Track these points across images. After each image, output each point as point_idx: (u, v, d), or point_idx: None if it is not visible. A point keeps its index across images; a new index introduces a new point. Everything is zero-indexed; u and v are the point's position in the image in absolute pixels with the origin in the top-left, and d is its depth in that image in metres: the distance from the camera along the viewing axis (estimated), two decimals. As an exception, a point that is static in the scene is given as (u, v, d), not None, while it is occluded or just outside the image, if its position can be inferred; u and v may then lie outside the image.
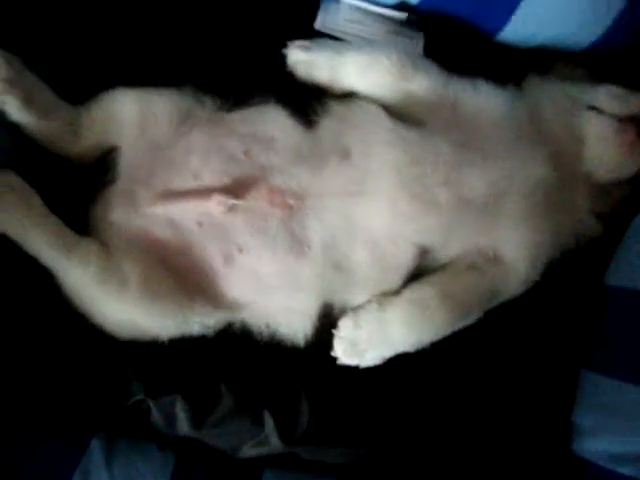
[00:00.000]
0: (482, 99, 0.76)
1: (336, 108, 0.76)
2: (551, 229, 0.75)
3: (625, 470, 0.74)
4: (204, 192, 0.72)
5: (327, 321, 0.75)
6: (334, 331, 0.74)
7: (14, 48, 0.71)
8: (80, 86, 0.76)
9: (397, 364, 0.76)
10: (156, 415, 0.75)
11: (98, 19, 0.83)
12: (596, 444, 0.78)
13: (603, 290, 0.84)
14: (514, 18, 0.81)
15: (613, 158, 0.75)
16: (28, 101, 0.70)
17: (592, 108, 0.77)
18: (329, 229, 0.72)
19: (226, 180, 0.72)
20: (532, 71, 0.83)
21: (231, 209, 0.71)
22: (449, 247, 0.74)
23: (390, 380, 0.79)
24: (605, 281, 0.84)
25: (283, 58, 0.79)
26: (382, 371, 0.75)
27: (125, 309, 0.71)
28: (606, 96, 0.77)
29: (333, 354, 0.74)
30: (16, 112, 0.70)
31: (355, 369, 0.74)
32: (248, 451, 0.77)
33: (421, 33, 0.84)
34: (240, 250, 0.72)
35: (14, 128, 0.72)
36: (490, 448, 0.81)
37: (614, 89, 0.78)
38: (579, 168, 0.77)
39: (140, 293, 0.71)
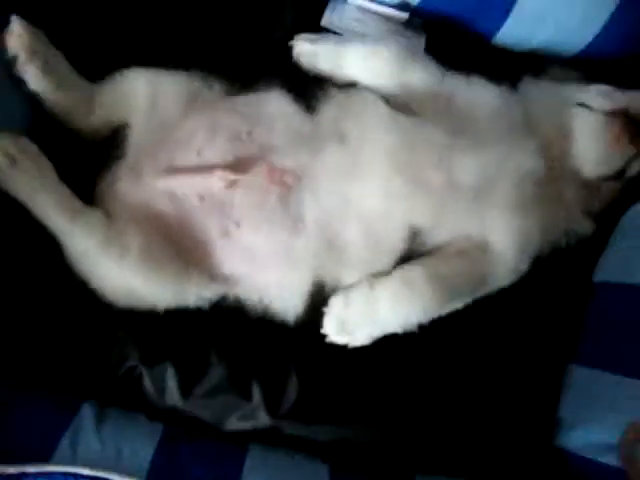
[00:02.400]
0: (476, 92, 0.80)
1: (336, 95, 0.80)
2: (540, 221, 0.77)
3: (608, 459, 0.74)
4: (207, 168, 0.75)
5: (319, 299, 0.77)
6: (325, 309, 0.76)
7: (39, 24, 0.76)
8: (97, 65, 0.81)
9: (385, 349, 0.78)
10: (148, 383, 0.78)
11: (117, 3, 0.88)
12: (579, 435, 0.78)
13: (590, 286, 0.85)
14: (509, 20, 0.85)
15: (600, 151, 0.78)
16: (47, 71, 0.75)
17: (581, 105, 0.80)
18: (324, 208, 0.75)
19: (228, 158, 0.76)
20: (527, 73, 0.86)
21: (232, 185, 0.74)
22: (439, 231, 0.76)
23: (378, 363, 0.80)
24: (593, 278, 0.86)
25: (289, 50, 0.83)
26: (370, 353, 0.76)
27: (125, 275, 0.74)
28: (594, 93, 0.81)
29: (323, 331, 0.75)
30: (35, 81, 0.75)
31: (344, 349, 0.75)
32: (234, 424, 0.79)
33: (423, 35, 0.88)
34: (237, 224, 0.75)
35: (32, 98, 0.76)
36: (474, 439, 0.81)
37: (602, 87, 0.81)
38: (568, 163, 0.80)
39: (140, 260, 0.74)
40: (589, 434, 0.77)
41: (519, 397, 0.83)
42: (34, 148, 0.74)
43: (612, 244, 0.85)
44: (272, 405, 0.78)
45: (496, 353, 0.84)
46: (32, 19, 0.75)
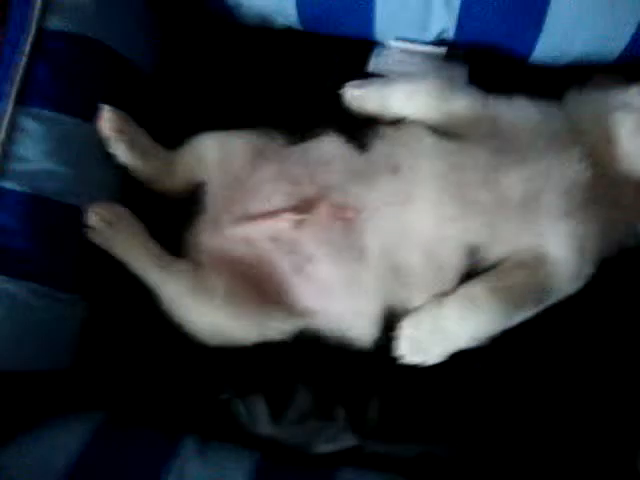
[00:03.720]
0: (517, 110, 0.83)
1: (386, 132, 0.86)
2: (596, 225, 0.78)
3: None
4: (275, 213, 0.82)
5: (392, 322, 0.82)
6: (398, 330, 0.80)
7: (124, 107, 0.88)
8: (175, 134, 0.91)
9: (465, 367, 0.83)
10: (243, 414, 0.85)
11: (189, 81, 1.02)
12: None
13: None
14: (541, 38, 0.89)
15: None
16: (133, 147, 0.87)
17: (623, 107, 0.81)
18: (385, 236, 0.80)
19: (293, 201, 0.83)
20: (572, 86, 0.89)
21: (298, 225, 0.81)
22: (496, 246, 0.79)
23: (456, 380, 0.84)
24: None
25: (340, 98, 0.91)
26: (449, 370, 0.80)
27: (213, 316, 0.82)
28: (633, 93, 0.82)
29: (397, 353, 0.80)
30: (123, 156, 0.87)
31: (421, 368, 0.79)
32: (321, 446, 0.84)
33: (465, 66, 0.94)
34: (309, 260, 0.81)
35: (123, 170, 0.88)
36: (556, 458, 0.82)
37: None
38: (619, 167, 0.81)
39: (226, 302, 0.81)
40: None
41: (602, 414, 0.83)
42: (127, 212, 0.85)
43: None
44: (356, 425, 0.83)
45: (575, 366, 0.85)
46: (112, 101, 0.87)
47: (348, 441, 0.83)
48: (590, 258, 0.78)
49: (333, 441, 0.83)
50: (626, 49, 0.89)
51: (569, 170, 0.78)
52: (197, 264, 0.85)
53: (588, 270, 0.78)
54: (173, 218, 0.89)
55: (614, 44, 0.89)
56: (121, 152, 0.87)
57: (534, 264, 0.79)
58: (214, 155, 0.90)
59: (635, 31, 0.86)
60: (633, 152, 0.80)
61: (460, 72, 0.92)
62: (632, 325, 0.86)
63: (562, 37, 0.89)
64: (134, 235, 0.85)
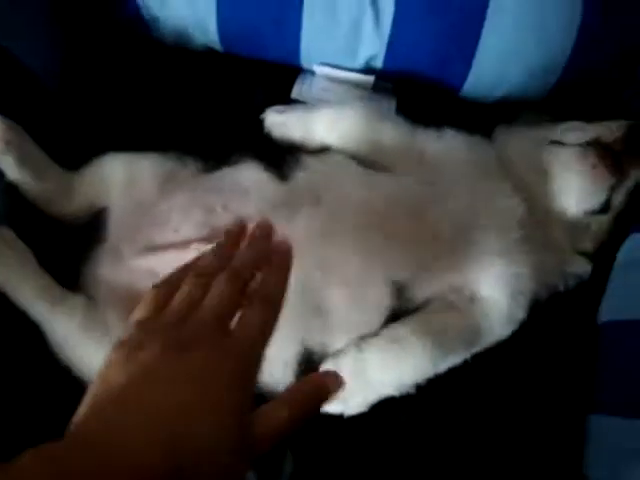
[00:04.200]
0: (447, 143, 0.80)
1: (308, 160, 0.80)
2: (529, 265, 0.74)
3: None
4: (183, 243, 0.75)
5: (309, 368, 0.75)
6: (314, 377, 0.73)
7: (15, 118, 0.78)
8: (74, 153, 0.83)
9: (385, 413, 0.74)
10: None
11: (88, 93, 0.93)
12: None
13: (596, 329, 0.81)
14: (472, 70, 0.86)
15: (579, 185, 0.76)
16: (24, 162, 0.77)
17: (554, 143, 0.79)
18: (305, 273, 0.73)
19: (204, 231, 0.76)
20: (501, 123, 0.87)
21: (208, 257, 0.74)
22: (424, 284, 0.74)
23: (379, 429, 0.76)
24: (597, 319, 0.81)
25: (261, 125, 0.85)
26: (370, 419, 0.73)
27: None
28: (565, 129, 0.80)
29: (314, 402, 0.72)
30: (12, 172, 0.77)
31: (341, 418, 0.72)
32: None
33: (393, 98, 0.90)
34: (218, 296, 0.74)
35: (11, 188, 0.77)
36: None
37: (573, 123, 0.81)
38: (551, 204, 0.78)
39: None
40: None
41: (539, 458, 0.77)
42: (14, 237, 0.75)
43: (612, 281, 0.81)
44: (269, 482, 0.74)
45: (507, 411, 0.79)
46: (7, 113, 0.77)
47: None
48: (523, 301, 0.74)
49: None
50: (557, 84, 0.87)
51: (501, 206, 0.75)
52: (94, 299, 0.76)
53: (520, 314, 0.74)
54: (67, 246, 0.79)
55: (545, 79, 0.87)
56: (8, 167, 0.77)
57: (464, 306, 0.74)
58: (119, 178, 0.81)
59: (566, 64, 0.84)
60: (564, 189, 0.77)
61: (388, 103, 0.89)
62: (559, 362, 0.81)
63: (494, 70, 0.86)
64: (20, 264, 0.74)
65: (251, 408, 0.52)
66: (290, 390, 0.57)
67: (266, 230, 0.70)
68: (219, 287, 0.59)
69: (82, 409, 0.51)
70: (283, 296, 0.60)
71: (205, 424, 0.47)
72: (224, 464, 0.46)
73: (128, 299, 0.75)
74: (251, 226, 0.71)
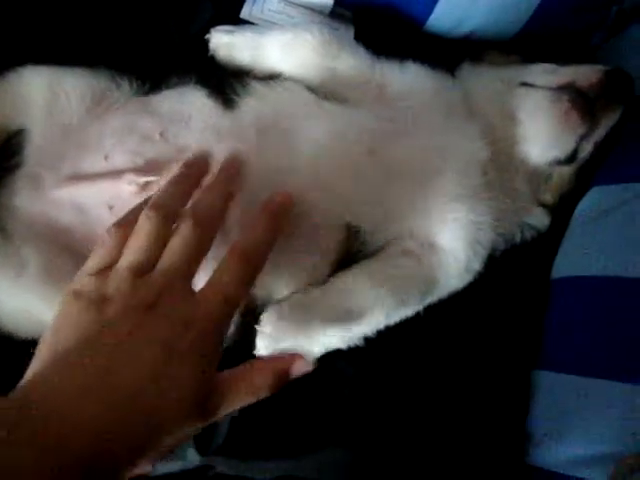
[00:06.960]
0: (410, 77, 0.73)
1: (257, 88, 0.72)
2: (489, 213, 0.70)
3: (587, 474, 0.65)
4: (115, 173, 0.67)
5: (251, 318, 0.68)
6: (257, 326, 0.65)
7: None
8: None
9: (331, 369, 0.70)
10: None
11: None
12: (554, 450, 0.69)
13: (548, 285, 0.79)
14: (438, 5, 0.80)
15: (548, 131, 0.71)
16: None
17: (524, 85, 0.74)
18: (249, 211, 0.66)
19: (139, 161, 0.68)
20: (465, 60, 0.81)
21: (143, 189, 0.66)
22: (380, 228, 0.69)
23: (320, 386, 0.71)
24: (551, 276, 0.79)
25: (206, 45, 0.76)
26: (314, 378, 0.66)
27: (21, 296, 0.65)
28: (537, 70, 0.75)
29: (256, 352, 0.64)
30: None
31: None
32: (160, 467, 0.68)
33: (351, 27, 0.82)
34: (152, 234, 0.67)
35: None
36: (439, 465, 0.72)
37: (545, 65, 0.75)
38: (515, 150, 0.73)
39: (38, 279, 0.65)
40: (567, 448, 0.68)
41: (483, 412, 0.74)
42: None
43: (567, 237, 0.78)
44: (202, 442, 0.68)
45: (454, 364, 0.75)
46: None
47: (192, 459, 0.68)
48: (481, 251, 0.70)
49: (175, 459, 0.67)
50: (523, 30, 0.82)
51: (465, 149, 0.69)
52: (8, 232, 0.68)
53: (477, 265, 0.70)
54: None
55: (513, 21, 0.82)
56: None
57: (421, 252, 0.69)
58: (39, 96, 0.72)
59: (535, 8, 0.79)
60: (531, 134, 0.72)
61: (346, 32, 0.80)
62: (510, 317, 0.78)
63: (461, 6, 0.80)
64: None
65: (214, 373, 0.51)
66: (256, 367, 0.58)
67: (234, 169, 0.65)
68: (185, 233, 0.54)
69: (31, 370, 0.49)
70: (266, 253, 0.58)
71: (167, 401, 0.47)
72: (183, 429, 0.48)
73: (48, 234, 0.69)
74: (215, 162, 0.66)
